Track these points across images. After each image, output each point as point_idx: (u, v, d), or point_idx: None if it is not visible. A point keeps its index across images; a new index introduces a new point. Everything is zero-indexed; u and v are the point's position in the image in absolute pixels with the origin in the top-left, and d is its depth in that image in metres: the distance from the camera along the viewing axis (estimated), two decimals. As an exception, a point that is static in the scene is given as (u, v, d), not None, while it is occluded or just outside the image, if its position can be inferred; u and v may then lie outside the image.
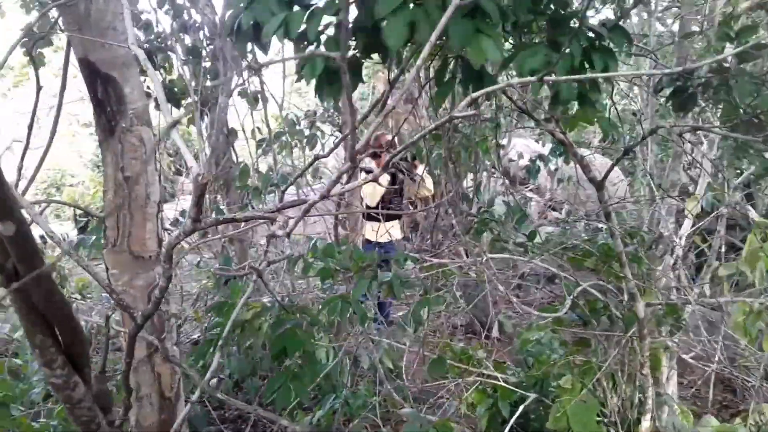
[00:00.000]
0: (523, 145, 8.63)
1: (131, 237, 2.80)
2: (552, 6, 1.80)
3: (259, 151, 4.82)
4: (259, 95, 4.91)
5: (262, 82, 4.75)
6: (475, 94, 1.25)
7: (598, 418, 2.42)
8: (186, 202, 8.22)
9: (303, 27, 1.82)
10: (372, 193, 5.45)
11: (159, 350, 2.89)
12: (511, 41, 1.97)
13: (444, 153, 3.63)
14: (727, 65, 1.97)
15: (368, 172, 5.37)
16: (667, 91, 2.46)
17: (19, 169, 3.05)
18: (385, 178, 5.37)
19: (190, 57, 4.85)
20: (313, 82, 2.00)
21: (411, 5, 1.62)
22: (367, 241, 5.74)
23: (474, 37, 1.63)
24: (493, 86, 1.34)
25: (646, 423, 2.14)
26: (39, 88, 2.91)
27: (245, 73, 5.01)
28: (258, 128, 5.16)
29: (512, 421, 2.25)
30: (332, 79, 1.99)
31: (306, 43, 1.90)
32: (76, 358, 1.44)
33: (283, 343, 2.24)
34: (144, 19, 4.89)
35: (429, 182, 5.66)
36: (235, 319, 2.20)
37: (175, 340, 3.06)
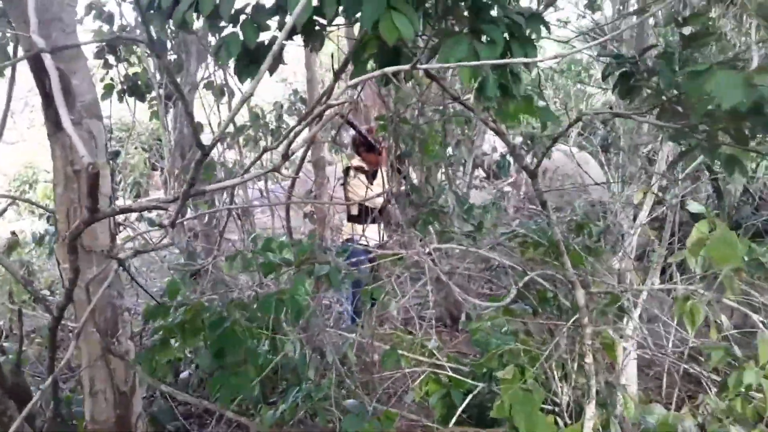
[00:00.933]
0: (498, 140, 8.64)
1: (83, 232, 2.78)
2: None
3: (225, 144, 4.80)
4: (224, 88, 4.88)
5: (226, 75, 4.72)
6: (353, 81, 1.25)
7: (548, 407, 2.44)
8: (158, 196, 8.12)
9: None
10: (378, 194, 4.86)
11: (109, 346, 2.88)
12: (434, 29, 1.96)
13: (389, 144, 3.64)
14: (671, 51, 1.98)
15: (358, 170, 5.12)
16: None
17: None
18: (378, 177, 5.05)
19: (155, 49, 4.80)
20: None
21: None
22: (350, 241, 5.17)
23: (386, 14, 1.62)
24: (400, 67, 1.33)
25: (590, 411, 2.15)
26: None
27: (211, 66, 4.99)
28: (224, 121, 5.13)
29: (460, 409, 2.26)
30: (251, 60, 1.99)
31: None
32: None
33: (222, 343, 2.23)
34: (107, 10, 4.83)
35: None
36: (176, 321, 2.18)
37: (129, 335, 3.04)
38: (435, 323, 6.68)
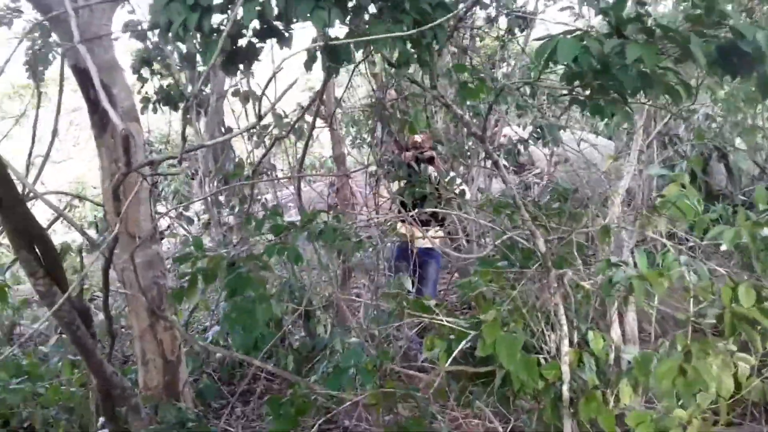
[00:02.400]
0: (512, 132, 8.92)
1: (127, 219, 3.21)
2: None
3: (253, 144, 5.22)
4: (249, 95, 5.30)
5: (248, 82, 5.13)
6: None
7: (538, 355, 2.76)
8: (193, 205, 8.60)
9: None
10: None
11: (160, 319, 3.30)
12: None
13: (372, 125, 4.01)
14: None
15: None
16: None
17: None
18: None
19: (185, 63, 5.26)
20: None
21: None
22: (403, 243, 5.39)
23: (315, 10, 2.21)
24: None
25: (564, 348, 2.48)
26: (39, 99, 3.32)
27: (238, 75, 5.42)
28: (253, 125, 5.55)
29: (456, 351, 2.62)
30: (233, 60, 2.47)
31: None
32: (54, 273, 1.84)
33: (235, 284, 2.63)
34: (141, 28, 5.28)
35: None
36: (200, 268, 2.58)
37: (174, 311, 3.47)
38: (461, 307, 7.02)
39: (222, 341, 5.56)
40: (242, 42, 2.52)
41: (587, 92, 2.25)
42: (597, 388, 2.58)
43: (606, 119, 2.32)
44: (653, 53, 2.00)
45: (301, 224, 2.68)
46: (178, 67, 5.27)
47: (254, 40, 2.52)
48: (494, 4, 3.79)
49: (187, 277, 2.60)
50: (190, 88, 5.33)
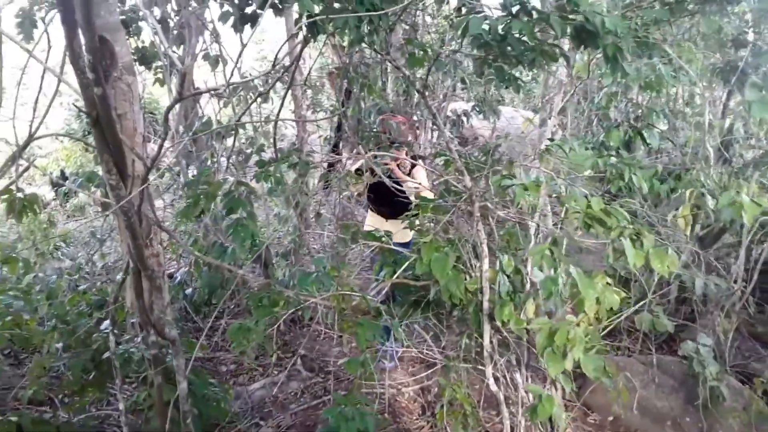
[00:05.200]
0: (458, 107, 9.64)
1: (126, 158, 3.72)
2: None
3: (221, 104, 5.74)
4: (219, 58, 5.80)
5: (221, 47, 5.65)
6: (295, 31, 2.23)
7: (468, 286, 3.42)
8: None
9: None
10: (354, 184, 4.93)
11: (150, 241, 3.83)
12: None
13: (339, 84, 4.60)
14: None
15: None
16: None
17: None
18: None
19: (160, 26, 5.72)
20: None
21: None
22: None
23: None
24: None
25: (484, 266, 3.15)
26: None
27: (207, 39, 5.92)
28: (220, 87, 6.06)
29: (399, 272, 3.26)
30: (243, 22, 3.12)
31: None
32: (122, 173, 2.41)
33: (232, 204, 3.22)
34: (118, -7, 5.69)
35: (422, 177, 4.60)
36: (203, 190, 3.16)
37: (159, 240, 4.00)
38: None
39: (185, 286, 6.11)
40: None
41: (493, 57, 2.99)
42: (511, 300, 3.27)
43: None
44: (530, 27, 2.78)
45: (280, 158, 3.28)
46: (153, 30, 5.72)
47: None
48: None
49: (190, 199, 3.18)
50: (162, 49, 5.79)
